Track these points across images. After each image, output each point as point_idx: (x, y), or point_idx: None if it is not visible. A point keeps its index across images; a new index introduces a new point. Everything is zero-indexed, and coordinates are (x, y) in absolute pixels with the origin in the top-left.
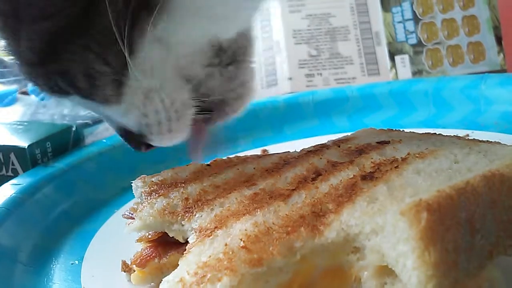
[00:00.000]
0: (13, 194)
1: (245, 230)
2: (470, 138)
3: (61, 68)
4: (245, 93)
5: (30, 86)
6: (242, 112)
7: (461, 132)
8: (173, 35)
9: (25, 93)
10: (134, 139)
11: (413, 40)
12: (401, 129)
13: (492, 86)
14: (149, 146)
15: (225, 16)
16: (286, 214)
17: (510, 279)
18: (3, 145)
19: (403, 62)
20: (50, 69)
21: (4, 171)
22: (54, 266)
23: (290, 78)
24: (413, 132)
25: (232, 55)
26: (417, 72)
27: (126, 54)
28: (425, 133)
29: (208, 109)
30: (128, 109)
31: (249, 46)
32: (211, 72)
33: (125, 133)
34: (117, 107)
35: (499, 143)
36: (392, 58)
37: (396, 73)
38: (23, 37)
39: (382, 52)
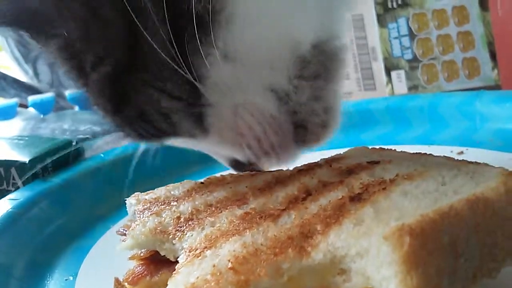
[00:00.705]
0: (10, 209)
1: (234, 251)
2: (464, 154)
3: (136, 111)
4: (330, 119)
5: (30, 99)
6: (325, 143)
7: (456, 149)
8: (240, 46)
9: (24, 106)
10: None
11: (409, 56)
12: (393, 148)
13: (487, 103)
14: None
15: (298, 18)
16: (274, 235)
17: None
18: (4, 160)
19: (399, 77)
20: (127, 114)
21: (5, 186)
22: (48, 282)
23: None
24: (404, 152)
25: (316, 69)
26: (412, 87)
27: (196, 82)
28: (416, 153)
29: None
30: (220, 135)
31: (335, 65)
32: (299, 84)
33: (236, 164)
34: (210, 138)
35: (487, 164)
36: (388, 73)
37: (392, 88)
38: (92, 86)
39: (379, 67)
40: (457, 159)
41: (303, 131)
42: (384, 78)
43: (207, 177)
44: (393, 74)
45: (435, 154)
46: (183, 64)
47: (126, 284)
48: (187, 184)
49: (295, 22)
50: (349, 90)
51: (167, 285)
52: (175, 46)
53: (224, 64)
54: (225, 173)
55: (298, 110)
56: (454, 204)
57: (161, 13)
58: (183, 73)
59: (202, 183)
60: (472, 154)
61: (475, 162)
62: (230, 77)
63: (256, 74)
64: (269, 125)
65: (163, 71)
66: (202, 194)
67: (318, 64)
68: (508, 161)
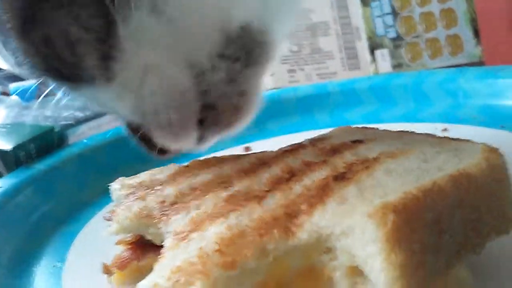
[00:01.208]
0: None
1: (220, 233)
2: (448, 131)
3: (43, 34)
4: (243, 103)
5: (12, 86)
6: (239, 128)
7: (440, 126)
8: (177, 9)
9: (6, 94)
10: (145, 140)
11: (392, 34)
12: (377, 127)
13: (470, 80)
14: (163, 151)
15: None
16: (259, 216)
17: (478, 277)
18: None
19: (383, 56)
20: (33, 36)
21: None
22: (36, 269)
23: (272, 74)
24: (388, 131)
25: (239, 51)
26: (397, 66)
27: (116, 18)
28: (399, 131)
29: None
30: (122, 90)
31: (259, 50)
32: (218, 63)
33: (133, 130)
34: (110, 88)
35: (469, 141)
36: (372, 52)
37: (376, 67)
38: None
39: (363, 46)
40: (440, 136)
41: (213, 114)
42: (368, 57)
43: (191, 160)
44: (377, 53)
45: (418, 132)
46: None
47: (114, 269)
48: (171, 167)
49: None
50: (334, 70)
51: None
52: None
53: (150, 13)
54: (209, 156)
55: (210, 90)
56: (437, 180)
57: None
58: (105, 3)
59: (186, 166)
60: (456, 131)
61: (458, 138)
62: (152, 31)
63: (179, 39)
64: (173, 100)
65: None
66: (187, 178)
67: (242, 46)
68: (492, 137)
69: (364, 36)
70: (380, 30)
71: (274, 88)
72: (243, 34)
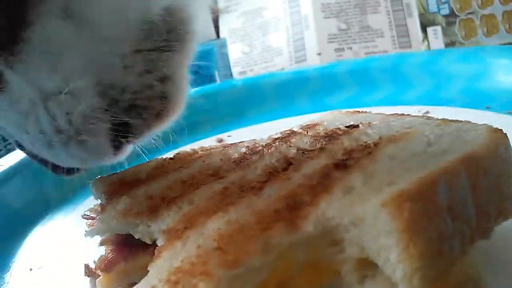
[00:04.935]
0: None
1: (218, 229)
2: (431, 113)
3: None
4: (169, 90)
5: None
6: (170, 118)
7: (422, 109)
8: (93, 10)
9: None
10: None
11: (445, 11)
12: (368, 111)
13: (451, 62)
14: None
15: None
16: (260, 209)
17: (490, 263)
18: None
19: (436, 34)
20: None
21: None
22: (11, 274)
23: (319, 54)
24: (381, 114)
25: (160, 39)
26: (450, 44)
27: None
28: (392, 114)
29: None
30: (11, 102)
31: (181, 35)
32: (133, 60)
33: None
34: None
35: (469, 122)
36: (424, 30)
37: (429, 45)
38: None
39: (414, 24)
40: (437, 118)
41: (138, 110)
42: (420, 35)
43: (176, 152)
44: (429, 30)
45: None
46: None
47: (98, 271)
48: (155, 161)
49: None
50: (384, 48)
51: (143, 269)
52: None
53: (61, 18)
54: (195, 146)
55: (127, 90)
56: (447, 165)
57: None
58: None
59: (171, 158)
60: (439, 113)
61: (456, 120)
62: (59, 37)
63: (89, 44)
64: (79, 119)
65: None
66: (174, 171)
67: (162, 33)
68: (475, 119)
69: (415, 13)
70: (432, 6)
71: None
72: (164, 20)
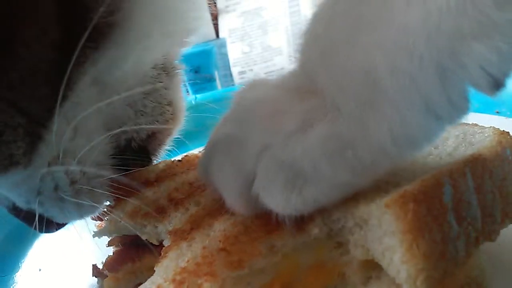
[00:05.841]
0: None
1: (224, 230)
2: None
3: None
4: (176, 110)
5: None
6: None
7: None
8: (113, 72)
9: None
10: (29, 217)
11: None
12: None
13: None
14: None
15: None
16: (265, 211)
17: (494, 265)
18: None
19: None
20: None
21: None
22: (20, 274)
23: None
24: None
25: (156, 85)
26: None
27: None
28: None
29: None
30: (36, 174)
31: (171, 77)
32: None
33: (15, 210)
34: (27, 171)
35: (476, 124)
36: None
37: None
38: None
39: None
40: None
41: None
42: None
43: (184, 154)
44: None
45: None
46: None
47: (105, 271)
48: (163, 163)
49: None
50: (281, 66)
51: (150, 269)
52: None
53: (90, 86)
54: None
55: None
56: (453, 167)
57: None
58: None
59: (179, 161)
60: None
61: (463, 123)
62: (87, 103)
63: (109, 106)
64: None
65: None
66: (181, 173)
67: (157, 81)
68: (483, 122)
69: None
70: None
71: None
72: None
